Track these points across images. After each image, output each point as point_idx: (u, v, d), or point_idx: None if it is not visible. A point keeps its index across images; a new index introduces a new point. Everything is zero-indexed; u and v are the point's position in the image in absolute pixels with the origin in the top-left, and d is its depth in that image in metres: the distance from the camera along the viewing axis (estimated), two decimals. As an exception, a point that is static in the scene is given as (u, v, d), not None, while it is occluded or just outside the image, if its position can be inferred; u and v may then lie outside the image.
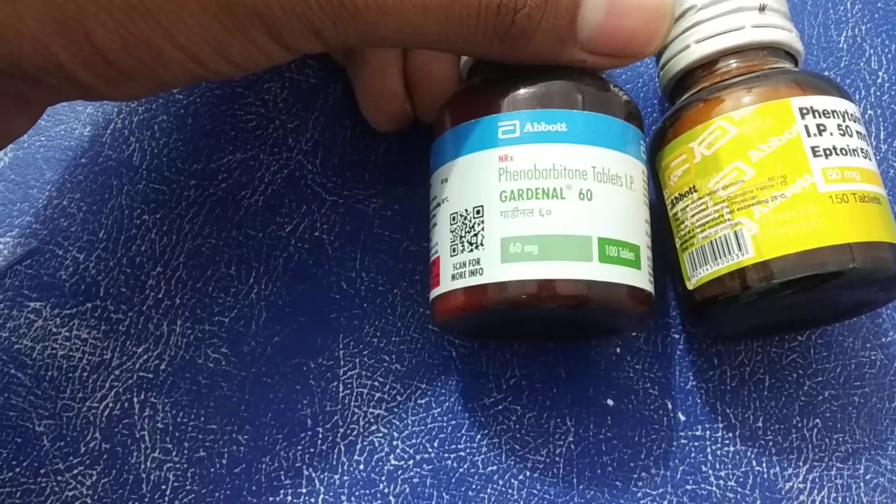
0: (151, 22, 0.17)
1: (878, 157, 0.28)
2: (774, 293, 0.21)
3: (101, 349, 0.25)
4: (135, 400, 0.25)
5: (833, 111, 0.22)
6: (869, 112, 0.29)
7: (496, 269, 0.20)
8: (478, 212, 0.21)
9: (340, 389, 0.25)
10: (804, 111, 0.21)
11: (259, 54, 0.19)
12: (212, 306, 0.26)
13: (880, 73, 0.29)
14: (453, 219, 0.22)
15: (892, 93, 0.29)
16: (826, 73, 0.29)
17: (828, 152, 0.21)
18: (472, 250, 0.21)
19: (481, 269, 0.21)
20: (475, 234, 0.21)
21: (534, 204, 0.20)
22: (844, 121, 0.22)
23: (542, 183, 0.20)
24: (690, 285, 0.23)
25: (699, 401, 0.26)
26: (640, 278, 0.21)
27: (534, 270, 0.20)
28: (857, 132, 0.22)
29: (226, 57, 0.18)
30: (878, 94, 0.29)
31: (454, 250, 0.21)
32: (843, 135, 0.22)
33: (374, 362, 0.26)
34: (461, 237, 0.21)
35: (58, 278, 0.26)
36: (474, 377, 0.26)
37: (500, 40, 0.20)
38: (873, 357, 0.26)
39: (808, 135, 0.21)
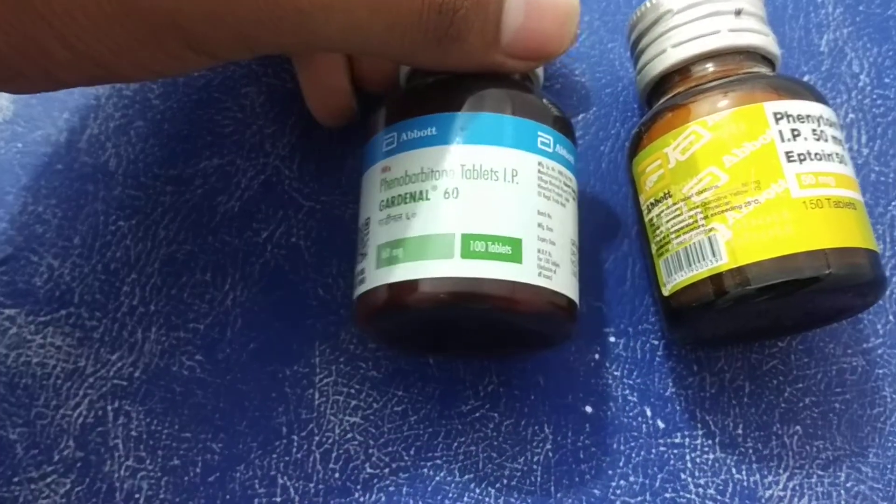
0: (37, 19, 0.16)
1: (860, 162, 0.28)
2: (750, 299, 0.21)
3: (76, 356, 0.25)
4: (109, 408, 0.25)
5: (808, 116, 0.21)
6: (850, 116, 0.29)
7: (372, 276, 0.21)
8: (366, 224, 0.22)
9: (316, 397, 0.25)
10: (778, 116, 0.21)
11: (173, 61, 0.18)
12: (187, 313, 0.26)
13: (861, 77, 0.29)
14: (357, 233, 0.23)
15: (874, 97, 0.29)
16: (807, 78, 0.29)
17: (802, 157, 0.21)
18: (361, 261, 0.22)
19: (364, 277, 0.21)
20: (364, 245, 0.22)
21: (402, 209, 0.21)
22: (819, 125, 0.22)
23: (411, 188, 0.21)
24: (666, 291, 0.23)
25: (678, 408, 0.26)
26: (521, 272, 0.20)
27: (397, 273, 0.20)
28: (833, 137, 0.22)
29: (133, 63, 0.18)
30: (860, 97, 0.29)
31: (356, 261, 0.22)
32: (818, 139, 0.21)
33: (350, 369, 0.25)
34: (358, 249, 0.22)
35: (32, 285, 0.26)
36: (451, 384, 0.26)
37: (438, 42, 0.20)
38: (854, 363, 0.26)
39: (783, 140, 0.21)
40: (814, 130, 0.21)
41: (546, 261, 0.21)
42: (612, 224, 0.27)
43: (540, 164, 0.21)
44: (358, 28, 0.19)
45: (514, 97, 0.22)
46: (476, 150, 0.21)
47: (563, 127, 0.22)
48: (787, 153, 0.21)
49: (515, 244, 0.20)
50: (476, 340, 0.24)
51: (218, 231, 0.27)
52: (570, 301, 0.22)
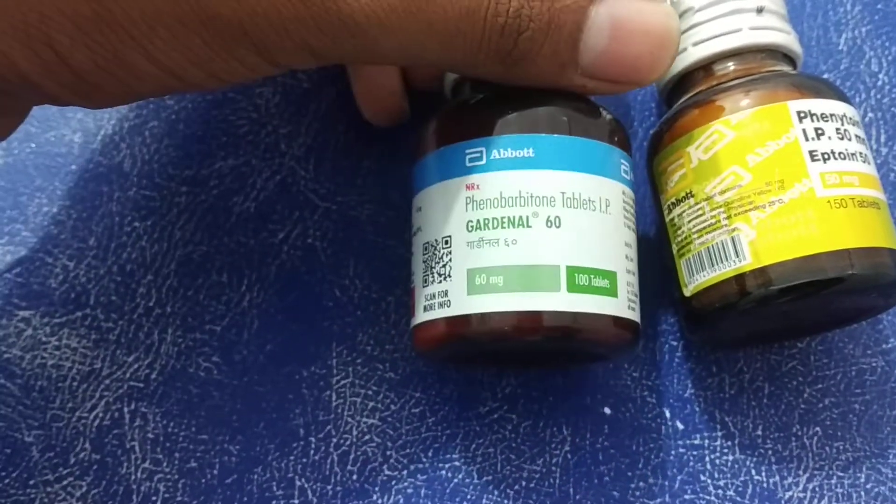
0: (122, 34, 0.16)
1: (879, 161, 0.28)
2: (773, 300, 0.21)
3: (91, 358, 0.25)
4: (125, 410, 0.24)
5: (831, 115, 0.21)
6: (869, 115, 0.28)
7: (462, 302, 0.20)
8: (446, 242, 0.21)
9: (333, 398, 0.25)
10: (802, 115, 0.21)
11: (244, 69, 0.18)
12: (203, 314, 0.26)
13: (880, 76, 0.29)
14: (425, 249, 0.21)
15: (893, 96, 0.29)
16: (826, 76, 0.29)
17: (826, 156, 0.21)
18: (440, 282, 0.21)
19: (449, 301, 0.20)
20: (444, 266, 0.21)
21: (499, 233, 0.20)
22: (843, 124, 0.21)
23: (508, 211, 0.20)
24: (688, 292, 0.23)
25: (697, 409, 0.25)
26: (617, 306, 0.20)
27: (499, 302, 0.20)
28: (856, 136, 0.22)
29: (207, 71, 0.18)
30: (879, 97, 0.29)
31: (426, 281, 0.21)
32: (842, 139, 0.21)
33: (367, 371, 0.25)
34: (431, 268, 0.21)
35: (47, 286, 0.25)
36: (469, 385, 0.25)
37: (502, 62, 0.19)
38: (874, 364, 0.26)
39: (807, 139, 0.21)
40: (837, 129, 0.21)
41: (632, 292, 0.21)
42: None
43: (623, 192, 0.21)
44: (415, 47, 0.18)
45: (602, 122, 0.21)
46: (574, 178, 0.20)
47: (629, 147, 0.22)
48: (810, 152, 0.21)
49: (612, 277, 0.20)
50: (533, 360, 0.24)
51: (233, 232, 0.26)
52: (640, 328, 0.22)
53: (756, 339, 0.25)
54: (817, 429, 0.25)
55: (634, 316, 0.21)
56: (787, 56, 0.23)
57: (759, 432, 0.25)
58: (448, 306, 0.20)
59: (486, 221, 0.20)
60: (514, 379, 0.25)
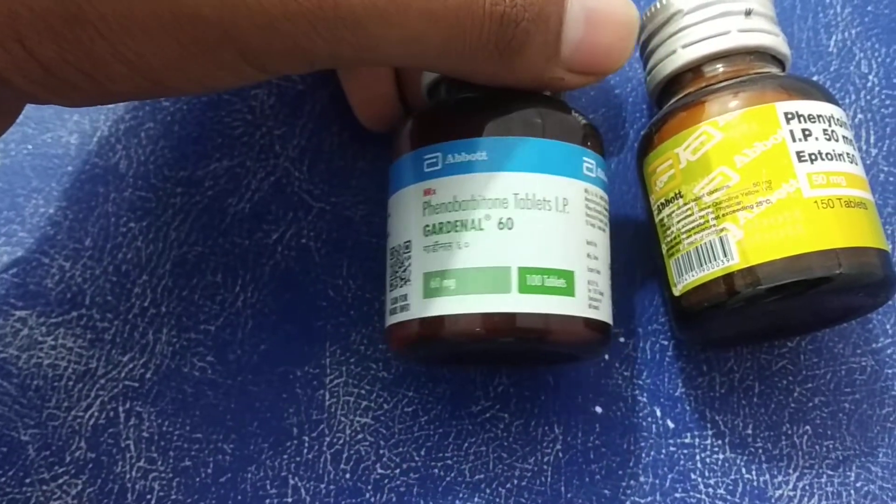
0: (92, 32, 0.16)
1: (868, 162, 0.28)
2: (761, 299, 0.21)
3: (87, 358, 0.25)
4: (120, 409, 0.25)
5: (819, 116, 0.22)
6: (859, 116, 0.29)
7: (419, 305, 0.20)
8: (407, 247, 0.21)
9: (327, 398, 0.25)
10: (789, 116, 0.21)
11: (229, 75, 0.17)
12: (198, 314, 0.26)
13: (870, 77, 0.29)
14: (391, 254, 0.22)
15: (882, 97, 0.29)
16: (816, 78, 0.29)
17: (813, 157, 0.21)
18: (402, 286, 0.21)
19: (408, 304, 0.21)
20: (405, 270, 0.21)
21: (453, 237, 0.20)
22: (830, 125, 0.22)
23: (462, 215, 0.20)
24: (677, 291, 0.23)
25: (688, 408, 0.26)
26: (575, 305, 0.20)
27: (451, 305, 0.20)
28: (844, 137, 0.22)
29: (186, 76, 0.17)
30: (868, 98, 0.29)
31: (391, 285, 0.22)
32: (829, 139, 0.21)
33: (360, 370, 0.25)
34: (395, 272, 0.21)
35: (44, 286, 0.26)
36: (462, 384, 0.26)
37: (500, 54, 0.19)
38: (864, 363, 0.26)
39: (794, 140, 0.21)
40: (825, 130, 0.21)
41: (594, 290, 0.21)
42: (622, 225, 0.27)
43: (586, 190, 0.21)
44: (415, 40, 0.18)
45: (562, 121, 0.21)
46: (528, 179, 0.20)
47: (600, 147, 0.22)
48: (798, 153, 0.21)
49: (568, 277, 0.20)
50: (507, 360, 0.24)
51: (228, 233, 0.27)
52: (609, 327, 0.22)
53: (745, 338, 0.26)
54: (807, 427, 0.26)
55: (599, 315, 0.21)
56: (775, 58, 0.24)
57: (750, 431, 0.25)
58: (408, 310, 0.21)
59: (441, 226, 0.20)
60: (506, 378, 0.26)
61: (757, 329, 0.24)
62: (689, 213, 0.22)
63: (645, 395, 0.26)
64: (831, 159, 0.21)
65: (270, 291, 0.26)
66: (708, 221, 0.22)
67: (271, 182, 0.27)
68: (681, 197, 0.22)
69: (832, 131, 0.22)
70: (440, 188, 0.21)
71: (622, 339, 0.26)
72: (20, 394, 0.25)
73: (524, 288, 0.20)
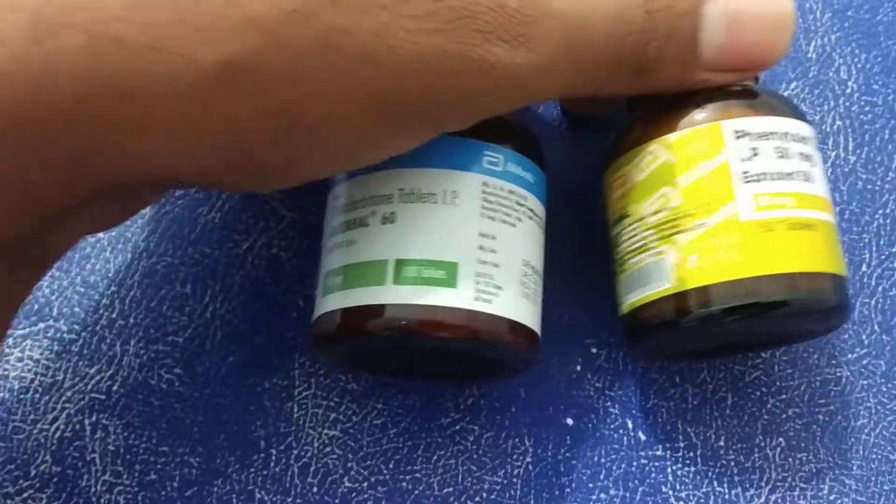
0: (313, 134, 0.17)
1: (846, 170, 0.28)
2: (691, 324, 0.21)
3: (54, 370, 0.25)
4: (86, 422, 0.25)
5: (772, 133, 0.21)
6: (837, 123, 0.28)
7: (319, 304, 0.21)
8: (321, 250, 0.22)
9: (295, 410, 0.25)
10: (739, 134, 0.21)
11: (412, 140, 0.19)
12: (166, 326, 0.26)
13: (849, 84, 0.29)
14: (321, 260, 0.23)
15: (861, 103, 0.28)
16: (794, 84, 0.29)
17: (760, 177, 0.20)
18: (316, 288, 0.22)
19: (315, 305, 0.22)
20: (318, 273, 0.22)
21: (343, 236, 0.21)
22: (785, 142, 0.21)
23: (352, 215, 0.21)
24: (621, 310, 0.23)
25: (660, 420, 0.25)
26: (456, 297, 0.20)
27: (336, 301, 0.20)
28: (800, 153, 0.21)
29: (378, 149, 0.18)
30: (847, 104, 0.28)
31: (316, 289, 0.22)
32: (781, 157, 0.21)
33: (329, 382, 0.25)
34: (317, 276, 0.22)
35: (11, 298, 0.25)
36: (432, 396, 0.25)
37: (636, 75, 0.20)
38: (839, 374, 0.26)
39: (739, 159, 0.21)
40: (777, 148, 0.21)
41: (486, 283, 0.20)
42: (594, 236, 0.27)
43: (485, 183, 0.21)
44: (564, 84, 0.19)
45: None
46: (415, 174, 0.21)
47: (521, 144, 0.22)
48: (743, 173, 0.20)
49: (450, 268, 0.20)
50: (436, 366, 0.23)
51: (198, 243, 0.26)
52: (516, 324, 0.21)
53: (697, 355, 0.25)
54: (780, 440, 0.25)
55: (490, 308, 0.20)
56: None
57: (722, 443, 0.25)
58: (314, 311, 0.22)
59: (336, 227, 0.21)
60: (476, 390, 0.25)
61: (704, 348, 0.24)
62: (634, 233, 0.22)
63: (616, 406, 0.25)
64: (780, 179, 0.20)
65: (240, 302, 0.26)
66: (648, 244, 0.21)
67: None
68: (628, 216, 0.22)
69: (786, 149, 0.21)
70: (342, 191, 0.22)
71: (594, 350, 0.26)
72: (-13, 406, 0.25)
73: (400, 279, 0.20)
